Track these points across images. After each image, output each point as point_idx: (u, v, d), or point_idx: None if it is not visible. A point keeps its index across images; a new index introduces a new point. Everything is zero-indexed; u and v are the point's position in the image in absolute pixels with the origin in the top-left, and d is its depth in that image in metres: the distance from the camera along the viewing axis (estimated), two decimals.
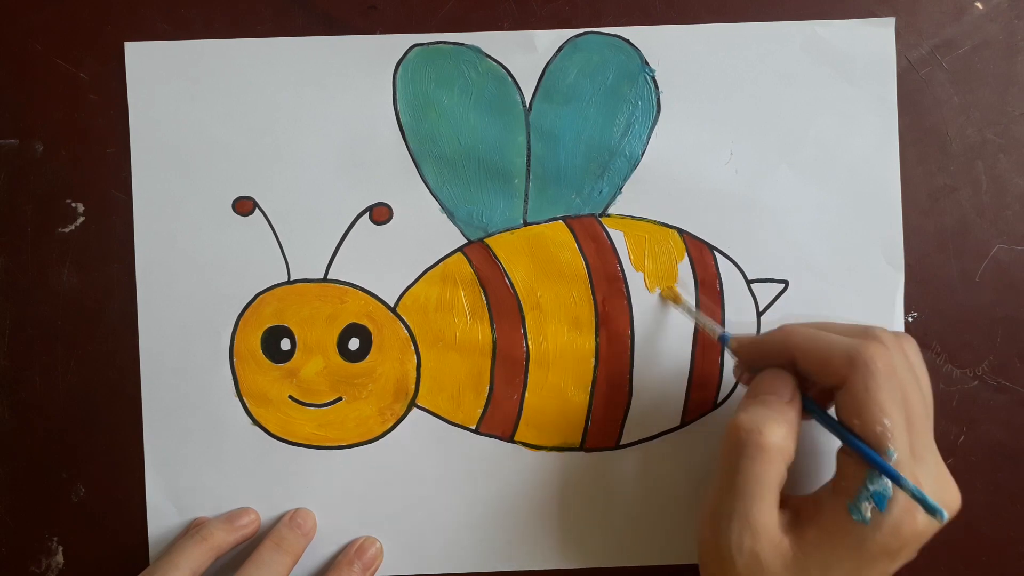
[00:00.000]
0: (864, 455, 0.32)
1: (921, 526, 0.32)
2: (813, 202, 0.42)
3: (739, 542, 0.33)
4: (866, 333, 0.34)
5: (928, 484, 0.32)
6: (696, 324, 0.41)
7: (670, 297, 0.41)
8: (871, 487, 0.32)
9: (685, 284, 0.42)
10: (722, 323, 0.42)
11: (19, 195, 0.42)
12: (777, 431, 0.33)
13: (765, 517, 0.33)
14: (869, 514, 0.32)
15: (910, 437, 0.32)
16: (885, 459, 0.32)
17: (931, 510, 0.31)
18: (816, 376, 0.34)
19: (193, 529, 0.40)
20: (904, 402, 0.32)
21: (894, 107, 0.42)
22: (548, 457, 0.42)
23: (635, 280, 0.42)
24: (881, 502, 0.32)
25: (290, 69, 0.42)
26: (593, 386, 0.42)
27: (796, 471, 0.39)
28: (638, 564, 0.42)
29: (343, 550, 0.41)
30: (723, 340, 0.38)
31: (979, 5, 0.42)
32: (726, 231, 0.42)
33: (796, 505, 0.35)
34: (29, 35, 0.42)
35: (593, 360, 0.42)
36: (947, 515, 0.31)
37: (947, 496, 0.33)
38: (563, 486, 0.42)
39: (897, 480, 0.31)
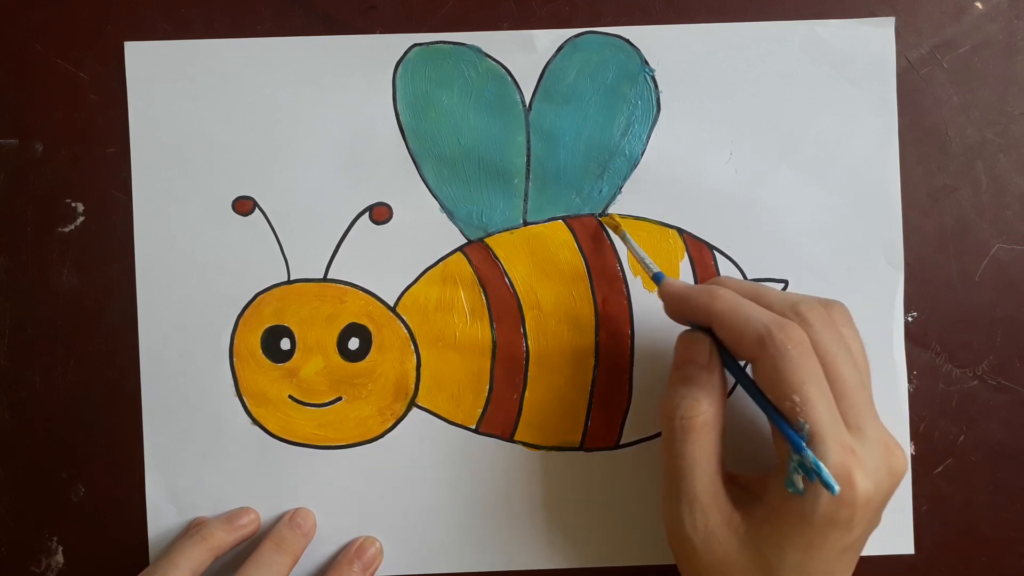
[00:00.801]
0: (777, 426, 0.33)
1: (862, 491, 0.31)
2: (813, 202, 0.42)
3: (692, 521, 0.34)
4: (791, 309, 0.34)
5: (867, 451, 0.32)
6: (637, 259, 0.40)
7: (611, 226, 0.41)
8: (794, 458, 0.32)
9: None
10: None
11: (19, 195, 0.42)
12: (700, 408, 0.34)
13: (710, 493, 0.34)
14: (802, 485, 0.32)
15: (842, 408, 0.32)
16: (799, 431, 0.32)
17: (825, 484, 0.31)
18: (731, 348, 0.34)
19: (193, 529, 0.40)
20: (832, 378, 0.33)
21: (894, 107, 0.42)
22: (548, 457, 0.42)
23: (635, 280, 0.42)
24: (809, 473, 0.32)
25: (290, 69, 0.42)
26: (593, 386, 0.42)
27: (748, 450, 0.40)
28: (638, 564, 0.42)
29: (343, 550, 0.41)
30: (657, 279, 0.38)
31: (979, 5, 0.42)
32: (726, 231, 0.42)
33: (747, 482, 0.36)
34: (29, 35, 0.42)
35: (593, 360, 0.42)
36: (837, 488, 0.31)
37: (892, 461, 0.33)
38: (563, 486, 0.42)
39: (798, 449, 0.31)
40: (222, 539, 0.39)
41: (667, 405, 0.35)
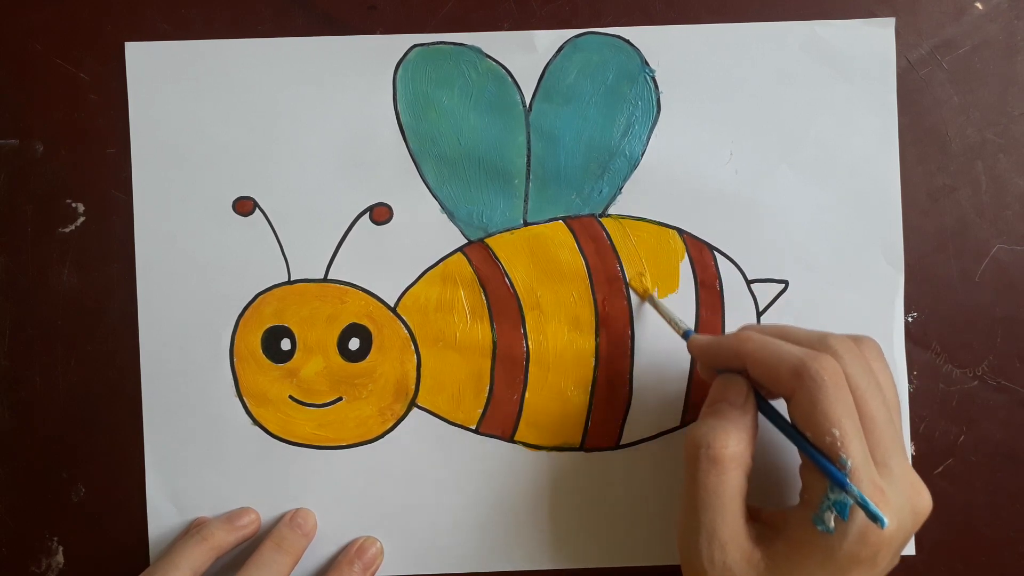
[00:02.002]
0: (816, 463, 0.32)
1: (889, 532, 0.31)
2: (813, 202, 0.42)
3: (709, 555, 0.33)
4: (820, 343, 0.34)
5: (893, 489, 0.32)
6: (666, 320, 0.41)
7: (638, 289, 0.41)
8: (832, 496, 0.32)
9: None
10: (722, 334, 0.41)
11: (19, 195, 0.42)
12: (729, 442, 0.33)
13: (731, 529, 0.33)
14: (833, 523, 0.32)
15: (870, 444, 0.32)
16: (839, 465, 0.31)
17: (872, 517, 0.31)
18: (767, 386, 0.34)
19: (193, 529, 0.40)
20: (862, 413, 0.32)
21: (894, 107, 0.42)
22: (548, 457, 0.42)
23: (635, 280, 0.42)
24: (843, 511, 0.31)
25: (290, 69, 0.42)
26: (593, 386, 0.42)
27: (770, 484, 0.39)
28: (638, 564, 0.42)
29: (343, 550, 0.41)
30: (686, 337, 0.38)
31: (979, 5, 0.42)
32: (726, 231, 0.42)
33: (767, 518, 0.35)
34: (29, 35, 0.42)
35: (593, 360, 0.42)
36: (887, 522, 0.30)
37: (917, 501, 0.33)
38: (563, 486, 0.42)
39: (843, 486, 0.31)
40: (223, 539, 0.39)
41: (694, 435, 0.34)
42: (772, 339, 0.34)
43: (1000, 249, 0.42)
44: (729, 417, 0.34)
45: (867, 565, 0.32)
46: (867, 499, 0.31)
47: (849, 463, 0.31)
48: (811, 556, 0.32)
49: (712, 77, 0.42)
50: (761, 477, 0.39)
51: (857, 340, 0.35)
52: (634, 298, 0.42)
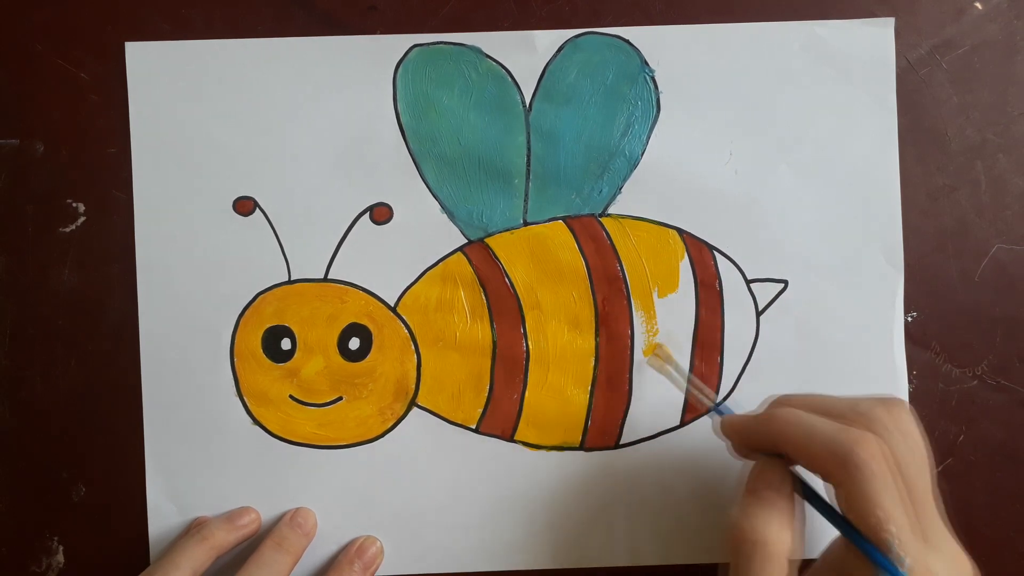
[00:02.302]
0: (873, 560, 0.31)
1: None
2: (813, 202, 0.42)
3: None
4: (856, 417, 0.32)
5: (941, 566, 0.31)
6: (691, 393, 0.41)
7: (655, 366, 0.41)
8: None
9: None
10: (721, 334, 0.41)
11: (19, 195, 0.42)
12: (779, 533, 0.32)
13: None
14: None
15: (919, 523, 0.31)
16: (897, 565, 0.30)
17: None
18: (812, 471, 0.33)
19: (194, 528, 0.40)
20: (909, 489, 0.31)
21: (894, 107, 0.42)
22: (548, 457, 0.42)
23: (635, 280, 0.42)
24: None
25: (290, 69, 0.42)
26: (593, 386, 0.42)
27: None
28: (637, 564, 0.42)
29: (343, 549, 0.41)
30: (718, 411, 0.38)
31: (979, 5, 0.42)
32: (726, 231, 0.42)
33: None
34: (29, 35, 0.42)
35: (593, 360, 0.42)
36: None
37: (964, 573, 0.32)
38: (563, 486, 0.42)
39: None
40: (223, 539, 0.39)
41: (744, 526, 0.32)
42: (808, 418, 0.33)
43: (1000, 249, 0.42)
44: (778, 506, 0.33)
45: None
46: None
47: (908, 561, 0.30)
48: None
49: (712, 77, 0.42)
50: None
51: (887, 405, 0.33)
52: (636, 299, 0.42)
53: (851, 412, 0.33)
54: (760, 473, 0.34)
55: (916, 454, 0.32)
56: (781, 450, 0.34)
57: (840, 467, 0.31)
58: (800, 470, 0.34)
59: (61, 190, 0.42)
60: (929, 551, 0.31)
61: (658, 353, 0.41)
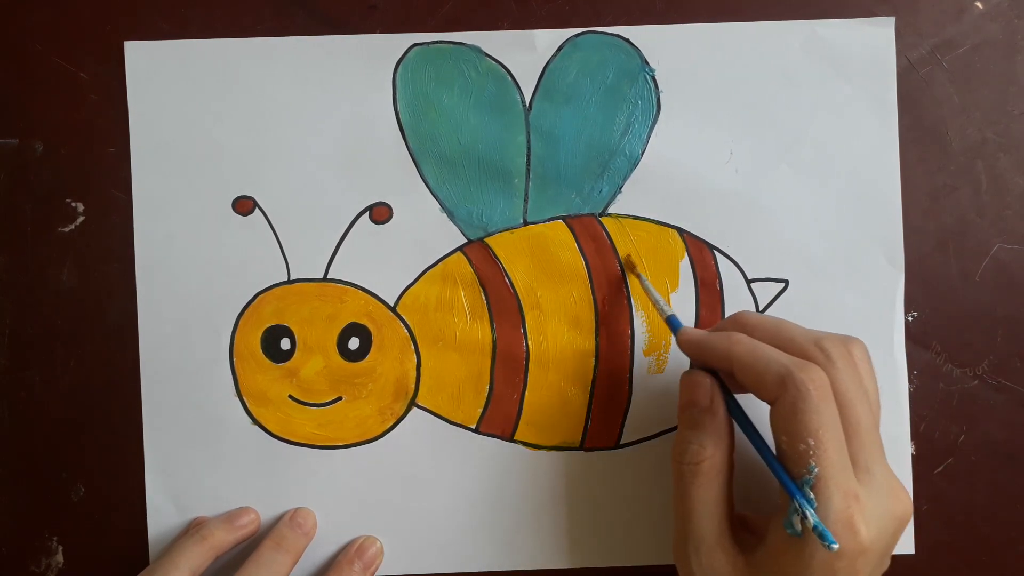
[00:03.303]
0: (773, 471, 0.33)
1: (864, 538, 0.31)
2: (813, 202, 0.42)
3: (698, 561, 0.34)
4: (814, 344, 0.34)
5: (873, 495, 0.32)
6: (651, 301, 0.41)
7: (628, 266, 0.41)
8: (796, 502, 0.31)
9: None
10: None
11: (19, 195, 0.42)
12: (703, 452, 0.35)
13: (716, 534, 0.34)
14: (800, 527, 0.31)
15: (853, 450, 0.32)
16: (806, 474, 0.31)
17: (822, 538, 0.30)
18: (752, 390, 0.34)
19: (193, 528, 0.40)
20: (847, 419, 0.32)
21: (894, 107, 0.42)
22: (548, 457, 0.42)
23: (635, 280, 0.42)
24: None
25: (290, 69, 0.42)
26: (593, 386, 0.42)
27: (761, 492, 0.39)
28: (637, 564, 0.42)
29: (343, 549, 0.41)
30: (673, 327, 0.38)
31: (979, 4, 0.42)
32: (726, 231, 0.42)
33: (752, 525, 0.36)
34: (29, 35, 0.42)
35: (593, 360, 0.42)
36: (836, 545, 0.30)
37: (896, 507, 0.33)
38: (563, 486, 0.42)
39: (793, 496, 0.31)
40: (222, 539, 0.39)
41: (675, 449, 0.36)
42: (761, 344, 0.34)
43: (1000, 249, 0.42)
44: (702, 426, 0.35)
45: (844, 573, 0.32)
46: (819, 521, 0.31)
47: (816, 470, 0.31)
48: (787, 563, 0.32)
49: (712, 77, 0.42)
50: (748, 482, 0.39)
51: (846, 342, 0.34)
52: (635, 297, 0.42)
53: (812, 343, 0.34)
54: (689, 390, 0.36)
55: (864, 392, 0.34)
56: (730, 369, 0.35)
57: (779, 385, 0.32)
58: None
59: (60, 190, 0.42)
60: (861, 482, 0.32)
61: (631, 258, 0.41)
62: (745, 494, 0.37)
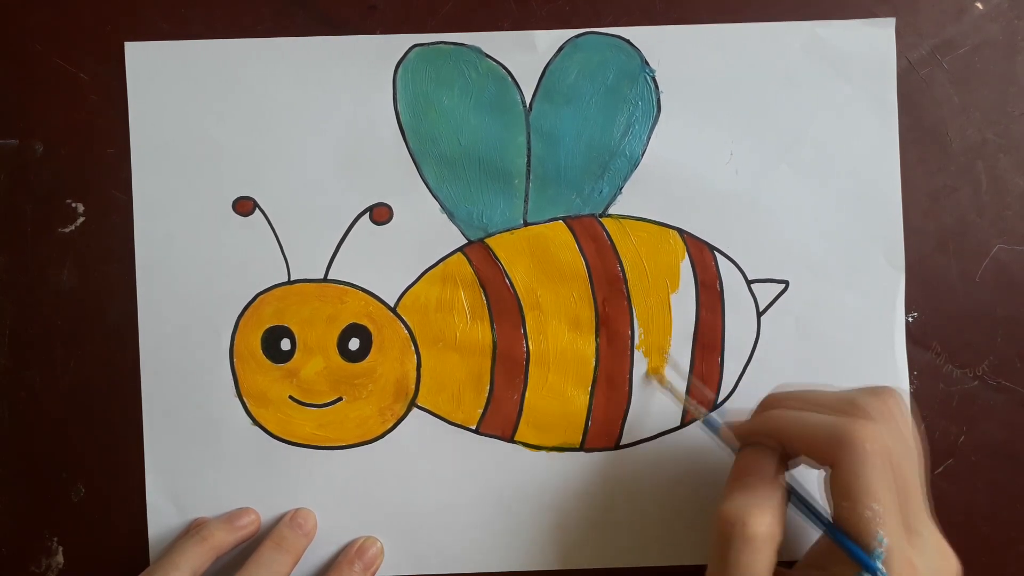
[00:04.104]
0: (846, 550, 0.31)
1: None
2: (813, 202, 0.42)
3: None
4: (853, 407, 0.33)
5: (924, 560, 0.31)
6: (684, 405, 0.41)
7: (656, 377, 0.41)
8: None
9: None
10: (722, 334, 0.41)
11: (19, 195, 0.42)
12: (762, 519, 0.32)
13: None
14: None
15: (904, 513, 0.31)
16: (874, 544, 0.30)
17: None
18: (807, 459, 0.33)
19: (193, 529, 0.40)
20: (897, 478, 0.31)
21: (894, 107, 0.42)
22: (548, 457, 0.42)
23: (635, 280, 0.42)
24: None
25: (290, 69, 0.42)
26: (593, 386, 0.42)
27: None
28: (638, 564, 0.42)
29: (343, 550, 0.41)
30: (709, 425, 0.38)
31: (979, 5, 0.42)
32: (726, 231, 0.42)
33: None
34: (29, 35, 0.42)
35: (593, 360, 0.42)
36: None
37: (946, 566, 0.32)
38: (563, 486, 0.42)
39: (873, 573, 0.30)
40: (222, 539, 0.39)
41: (728, 511, 0.32)
42: (804, 413, 0.33)
43: (1000, 249, 0.42)
44: (761, 493, 0.33)
45: None
46: None
47: (886, 542, 0.30)
48: None
49: (712, 77, 0.42)
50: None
51: (879, 395, 0.33)
52: (635, 297, 0.42)
53: (844, 404, 0.33)
54: (745, 460, 0.35)
55: (907, 444, 0.32)
56: (781, 444, 0.34)
57: (838, 447, 0.31)
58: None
59: (60, 190, 0.42)
60: (912, 545, 0.31)
61: (658, 369, 0.41)
62: None
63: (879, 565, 0.30)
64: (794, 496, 0.34)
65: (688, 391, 0.41)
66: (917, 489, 0.32)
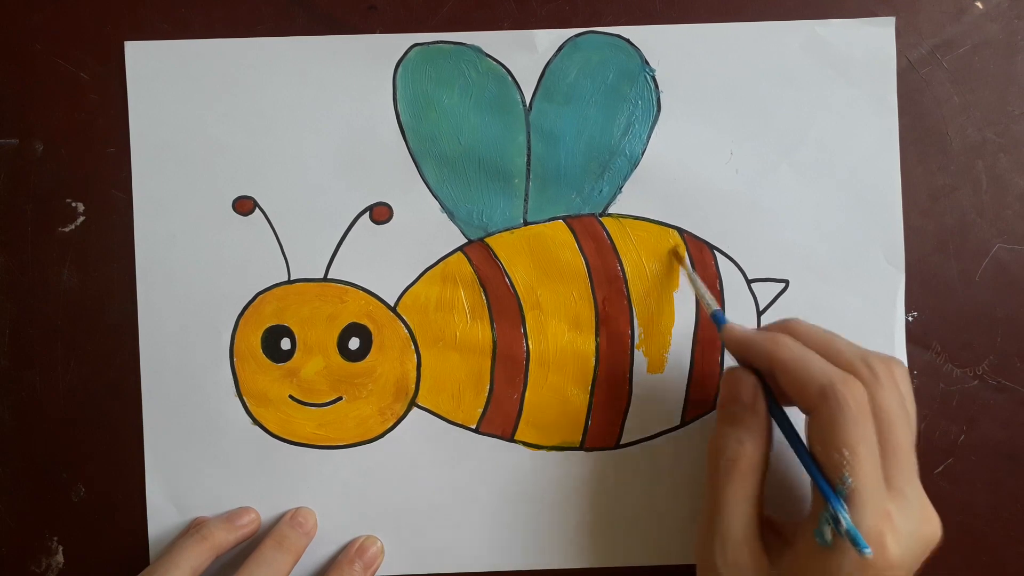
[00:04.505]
0: (812, 478, 0.33)
1: (891, 555, 0.31)
2: (813, 202, 0.42)
3: (723, 557, 0.34)
4: (856, 363, 0.34)
5: (904, 515, 0.32)
6: (696, 295, 0.41)
7: (677, 260, 0.41)
8: (829, 511, 0.32)
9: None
10: (721, 343, 0.42)
11: (19, 195, 0.42)
12: (741, 450, 0.35)
13: (744, 533, 0.34)
14: (830, 537, 0.32)
15: (890, 469, 0.32)
16: (840, 484, 0.32)
17: (856, 544, 0.30)
18: (791, 396, 0.34)
19: (193, 528, 0.40)
20: (886, 438, 0.32)
21: (894, 107, 0.42)
22: (548, 457, 0.42)
23: (635, 280, 0.42)
24: (841, 528, 0.31)
25: (290, 69, 0.42)
26: (593, 386, 0.42)
27: (790, 496, 0.39)
28: (638, 564, 0.42)
29: (344, 549, 0.41)
30: (717, 323, 0.38)
31: (979, 5, 0.42)
32: (726, 231, 0.42)
33: (781, 528, 0.36)
34: (29, 35, 0.42)
35: (593, 360, 0.42)
36: (869, 551, 0.30)
37: (927, 528, 0.33)
38: (563, 486, 0.42)
39: (832, 504, 0.31)
40: (223, 539, 0.39)
41: (713, 444, 0.36)
42: (807, 351, 0.34)
43: (1000, 249, 0.42)
44: (743, 423, 0.35)
45: None
46: (854, 528, 0.31)
47: (850, 481, 0.31)
48: (812, 570, 0.32)
49: (712, 77, 0.42)
50: (782, 489, 0.39)
51: (887, 361, 0.34)
52: (635, 297, 0.42)
53: (851, 356, 0.34)
54: (731, 385, 0.36)
55: (905, 412, 0.34)
56: (772, 371, 0.35)
57: (818, 397, 0.32)
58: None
59: (60, 190, 0.42)
60: (893, 500, 0.32)
61: (680, 249, 0.41)
62: (773, 499, 0.37)
63: (841, 502, 0.31)
64: (780, 424, 0.35)
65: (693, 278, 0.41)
66: (907, 452, 0.33)
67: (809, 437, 0.34)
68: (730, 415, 0.36)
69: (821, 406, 0.32)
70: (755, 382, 0.36)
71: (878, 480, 0.32)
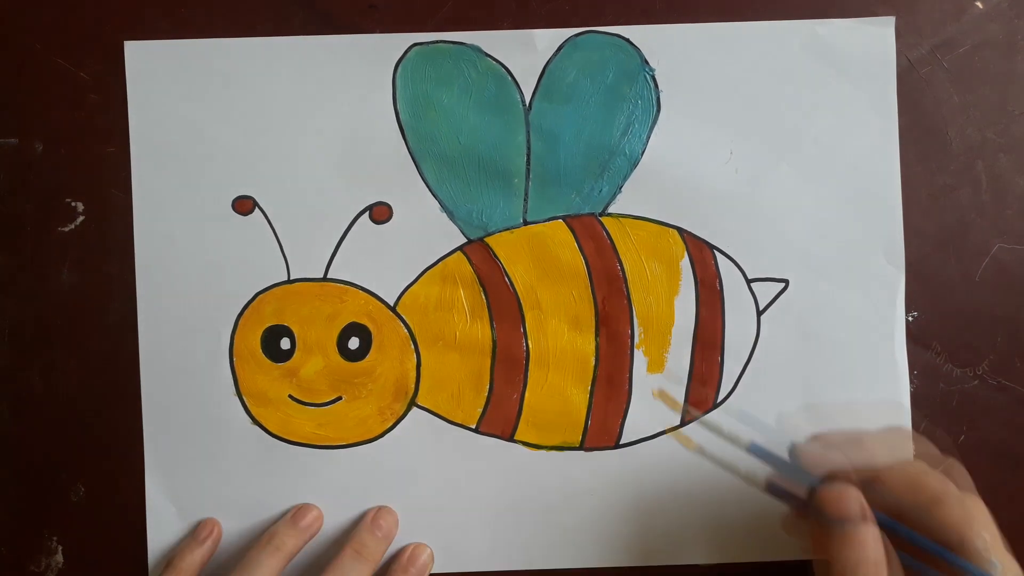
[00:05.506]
0: (967, 570, 0.33)
1: None
2: (813, 202, 0.42)
3: None
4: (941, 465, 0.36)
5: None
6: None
7: (664, 399, 0.41)
8: None
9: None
10: (722, 333, 0.41)
11: (19, 195, 0.42)
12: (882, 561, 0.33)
13: None
14: None
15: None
16: (990, 567, 0.32)
17: None
18: (905, 509, 0.34)
19: (265, 539, 0.39)
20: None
21: (894, 107, 0.42)
22: (548, 456, 0.42)
23: (635, 279, 0.42)
24: None
25: (290, 69, 0.42)
26: (593, 386, 0.42)
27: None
28: (638, 564, 0.42)
29: (395, 557, 0.41)
30: (753, 450, 0.37)
31: (979, 4, 0.42)
32: (726, 230, 0.42)
33: None
34: (29, 35, 0.42)
35: (593, 360, 0.42)
36: None
37: None
38: (563, 486, 0.42)
39: None
40: (294, 545, 0.40)
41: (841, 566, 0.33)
42: (911, 464, 0.36)
43: (1000, 249, 0.42)
44: (868, 543, 0.33)
45: None
46: None
47: (999, 566, 0.32)
48: None
49: (712, 76, 0.42)
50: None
51: (949, 468, 0.37)
52: (635, 297, 0.42)
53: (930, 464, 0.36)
54: (838, 507, 0.34)
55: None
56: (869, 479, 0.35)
57: (941, 486, 0.34)
58: None
59: (60, 189, 0.42)
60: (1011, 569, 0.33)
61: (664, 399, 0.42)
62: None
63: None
64: (897, 531, 0.34)
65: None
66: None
67: (943, 530, 0.33)
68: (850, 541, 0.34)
69: (946, 496, 0.34)
70: (859, 494, 0.34)
71: (1010, 558, 0.33)
